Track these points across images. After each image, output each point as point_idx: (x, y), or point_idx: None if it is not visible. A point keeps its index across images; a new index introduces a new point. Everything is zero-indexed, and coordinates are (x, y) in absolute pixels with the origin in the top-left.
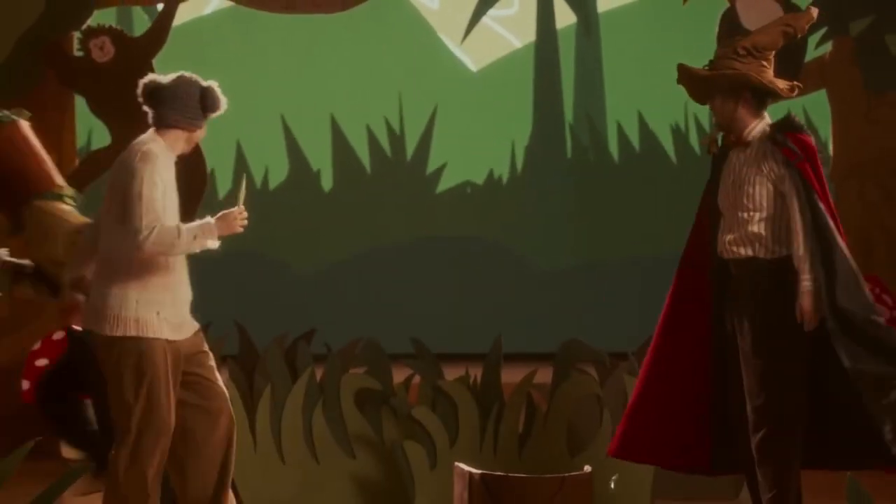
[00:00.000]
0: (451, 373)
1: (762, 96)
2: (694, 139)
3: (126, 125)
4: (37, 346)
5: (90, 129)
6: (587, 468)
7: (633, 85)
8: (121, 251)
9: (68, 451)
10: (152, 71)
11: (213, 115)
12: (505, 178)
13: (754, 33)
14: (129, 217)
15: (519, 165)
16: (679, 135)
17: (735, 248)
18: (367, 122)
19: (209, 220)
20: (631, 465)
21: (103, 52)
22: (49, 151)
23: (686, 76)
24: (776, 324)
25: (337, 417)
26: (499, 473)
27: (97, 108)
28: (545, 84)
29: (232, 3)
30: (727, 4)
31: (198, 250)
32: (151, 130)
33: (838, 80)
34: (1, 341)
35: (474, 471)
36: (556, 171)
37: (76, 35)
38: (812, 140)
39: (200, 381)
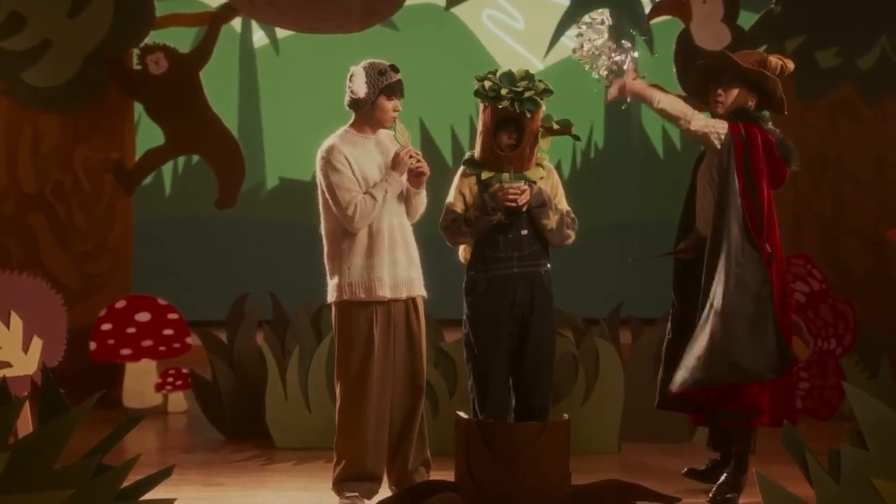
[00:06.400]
0: (451, 335)
1: None
2: None
3: (177, 127)
4: (102, 312)
5: (147, 131)
6: (565, 416)
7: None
8: (326, 231)
9: (129, 401)
10: (199, 82)
11: (385, 84)
12: (567, 171)
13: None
14: (336, 206)
15: (579, 159)
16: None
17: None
18: (451, 122)
19: (389, 170)
20: (603, 412)
21: (158, 66)
22: (112, 150)
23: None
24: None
25: None
26: (491, 420)
27: (153, 113)
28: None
29: None
30: (683, 26)
31: (391, 198)
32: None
33: None
34: (72, 308)
35: (470, 418)
36: (616, 164)
37: (135, 52)
38: (762, 134)
39: (407, 339)
